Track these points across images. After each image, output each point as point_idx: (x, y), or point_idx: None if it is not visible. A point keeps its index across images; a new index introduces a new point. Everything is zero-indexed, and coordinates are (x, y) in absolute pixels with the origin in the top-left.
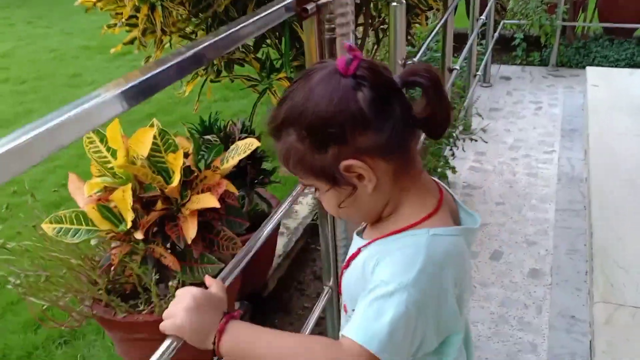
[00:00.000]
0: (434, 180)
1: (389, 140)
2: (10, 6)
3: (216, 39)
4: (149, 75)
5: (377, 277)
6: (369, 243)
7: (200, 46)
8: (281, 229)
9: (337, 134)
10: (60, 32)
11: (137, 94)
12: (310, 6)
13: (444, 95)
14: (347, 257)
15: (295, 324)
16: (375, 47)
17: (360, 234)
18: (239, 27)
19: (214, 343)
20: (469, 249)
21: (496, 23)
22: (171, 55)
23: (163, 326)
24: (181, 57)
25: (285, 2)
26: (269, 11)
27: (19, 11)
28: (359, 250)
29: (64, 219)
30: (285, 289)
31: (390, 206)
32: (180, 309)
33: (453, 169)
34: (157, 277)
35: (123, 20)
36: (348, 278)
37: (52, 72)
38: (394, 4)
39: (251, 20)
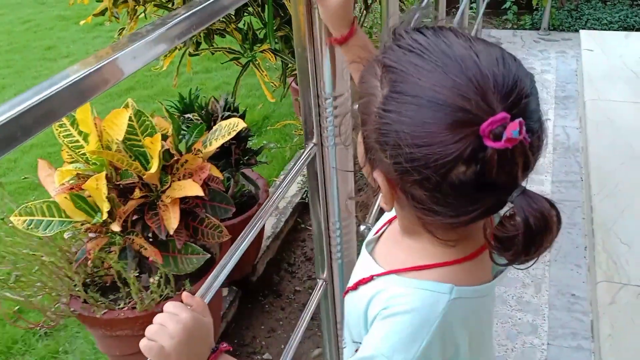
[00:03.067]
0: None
1: (437, 211)
2: None
3: (193, 10)
4: (116, 55)
5: (375, 339)
6: (384, 273)
7: (175, 20)
8: None
9: (403, 158)
10: (33, 1)
11: (105, 78)
12: None
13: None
14: (356, 278)
15: (287, 309)
16: (364, 12)
17: (370, 246)
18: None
19: None
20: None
21: None
22: (144, 29)
23: (145, 347)
24: (155, 32)
25: None
26: None
27: None
28: (370, 278)
29: (34, 210)
30: (276, 272)
31: (410, 226)
32: (169, 336)
33: None
34: (137, 272)
35: None
36: (351, 305)
37: (25, 45)
38: None
39: None
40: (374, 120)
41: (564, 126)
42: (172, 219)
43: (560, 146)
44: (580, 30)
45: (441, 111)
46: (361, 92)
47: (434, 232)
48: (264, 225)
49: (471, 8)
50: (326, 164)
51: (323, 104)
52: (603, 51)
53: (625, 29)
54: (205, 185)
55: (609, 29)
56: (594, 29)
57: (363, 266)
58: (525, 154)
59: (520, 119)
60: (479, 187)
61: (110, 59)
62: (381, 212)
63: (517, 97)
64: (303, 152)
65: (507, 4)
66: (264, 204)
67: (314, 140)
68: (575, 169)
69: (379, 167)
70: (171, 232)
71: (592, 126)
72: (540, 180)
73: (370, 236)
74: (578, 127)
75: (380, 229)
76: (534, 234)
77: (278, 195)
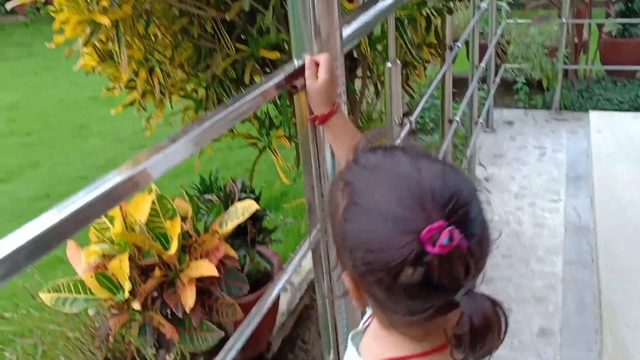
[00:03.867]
0: None
1: (395, 310)
2: (17, 58)
3: (205, 127)
4: (142, 167)
5: None
6: None
7: (193, 134)
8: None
9: (360, 261)
10: (67, 83)
11: (139, 182)
12: (299, 83)
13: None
14: None
15: None
16: (376, 98)
17: (357, 338)
18: (227, 113)
19: None
20: None
21: (497, 67)
22: (168, 140)
23: None
24: (175, 143)
25: (275, 81)
26: (258, 92)
27: (26, 62)
28: None
29: (62, 288)
30: (290, 349)
31: (380, 321)
32: None
33: None
34: (154, 348)
35: (121, 84)
36: None
37: (58, 123)
38: (389, 65)
39: (240, 105)
40: (338, 228)
41: (575, 206)
42: (189, 298)
43: (571, 226)
44: (590, 111)
45: (389, 221)
46: (329, 201)
47: (398, 328)
48: (277, 301)
49: (481, 88)
50: (330, 249)
51: (325, 191)
52: (612, 132)
53: (635, 109)
54: (221, 263)
55: (620, 109)
56: (605, 109)
57: (348, 357)
58: (464, 258)
59: (452, 227)
60: (426, 288)
61: (149, 163)
62: None
63: (455, 206)
64: (307, 237)
65: (519, 85)
66: (270, 286)
67: (318, 227)
68: (586, 249)
69: (345, 268)
70: (187, 310)
71: (601, 206)
72: (552, 262)
73: (358, 328)
74: (589, 207)
75: (366, 321)
76: (477, 333)
77: (283, 279)
